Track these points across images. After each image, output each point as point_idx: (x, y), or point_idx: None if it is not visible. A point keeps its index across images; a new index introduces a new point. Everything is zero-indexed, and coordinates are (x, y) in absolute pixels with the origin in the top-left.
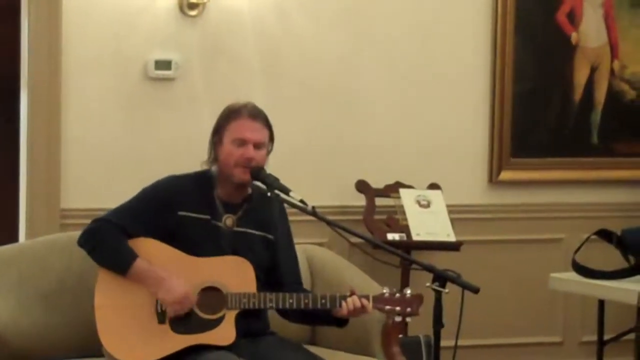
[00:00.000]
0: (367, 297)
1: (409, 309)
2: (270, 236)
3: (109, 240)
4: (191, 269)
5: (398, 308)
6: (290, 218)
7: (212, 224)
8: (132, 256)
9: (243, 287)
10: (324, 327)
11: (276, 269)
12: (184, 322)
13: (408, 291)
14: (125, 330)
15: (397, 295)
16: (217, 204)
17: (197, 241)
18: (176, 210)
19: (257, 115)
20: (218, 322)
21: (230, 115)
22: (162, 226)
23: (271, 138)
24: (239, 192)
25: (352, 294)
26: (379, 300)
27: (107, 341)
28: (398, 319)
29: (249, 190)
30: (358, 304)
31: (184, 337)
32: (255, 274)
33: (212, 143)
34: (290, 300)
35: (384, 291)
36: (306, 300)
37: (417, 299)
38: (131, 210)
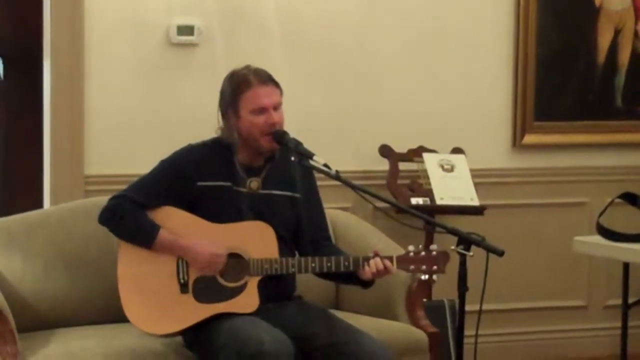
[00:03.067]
0: (390, 258)
1: (435, 267)
2: (296, 194)
3: (129, 216)
4: (212, 236)
5: (424, 267)
6: (315, 178)
7: (234, 190)
8: (155, 229)
9: (265, 252)
10: (349, 287)
11: (302, 226)
12: (207, 290)
13: (434, 248)
14: (148, 301)
15: (423, 253)
16: (238, 170)
17: (218, 209)
18: (195, 181)
19: (267, 78)
20: (241, 289)
21: (239, 85)
22: (182, 197)
23: (281, 93)
24: (261, 155)
25: (376, 255)
26: (403, 260)
27: (132, 313)
28: (424, 277)
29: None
30: (381, 266)
31: (208, 305)
32: (281, 235)
33: (225, 116)
34: (313, 264)
35: (409, 250)
36: (329, 264)
37: (444, 256)
38: (150, 184)
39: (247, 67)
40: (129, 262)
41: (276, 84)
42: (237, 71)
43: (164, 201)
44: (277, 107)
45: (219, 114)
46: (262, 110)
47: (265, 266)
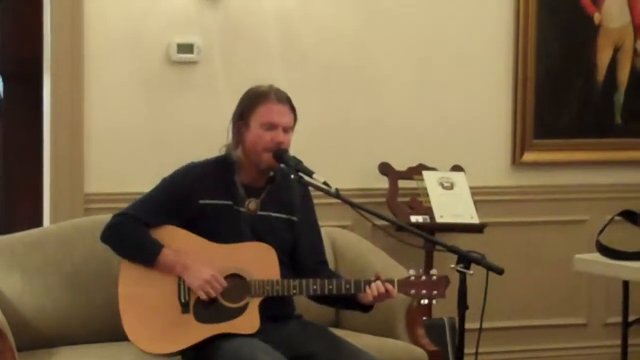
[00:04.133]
0: (391, 282)
1: (435, 292)
2: (293, 218)
3: (132, 234)
4: (214, 256)
5: (424, 291)
6: (314, 201)
7: (234, 210)
8: (158, 247)
9: (266, 273)
10: (349, 311)
11: (299, 250)
12: (207, 311)
13: (434, 273)
14: (149, 321)
15: (424, 277)
16: (239, 189)
17: (218, 228)
18: (197, 199)
19: (285, 99)
20: (242, 310)
21: (256, 98)
22: (184, 215)
23: (295, 120)
24: (262, 175)
25: (377, 278)
26: (404, 284)
27: (132, 332)
28: (424, 302)
29: (272, 173)
30: (382, 289)
31: (208, 326)
32: (279, 257)
33: (235, 127)
34: (315, 287)
35: (410, 274)
36: (330, 286)
37: (444, 280)
38: (151, 202)
39: (270, 85)
40: (129, 281)
41: (292, 108)
42: (258, 86)
43: (165, 219)
44: (287, 129)
45: (230, 125)
46: (272, 126)
47: (266, 287)
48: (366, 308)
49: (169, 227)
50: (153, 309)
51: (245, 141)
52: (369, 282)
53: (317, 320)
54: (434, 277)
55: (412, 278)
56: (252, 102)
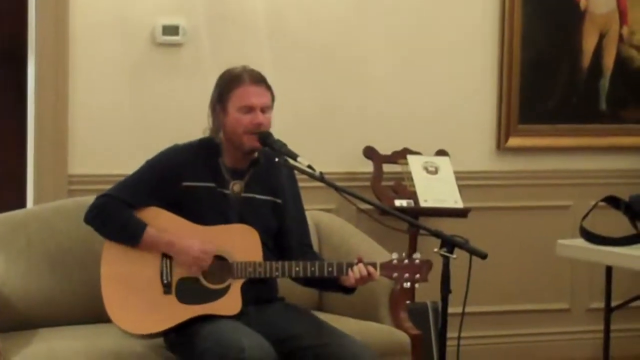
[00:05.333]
0: (374, 265)
1: (417, 275)
2: (278, 200)
3: (116, 215)
4: (197, 237)
5: (406, 275)
6: (298, 184)
7: (218, 192)
8: (142, 226)
9: (249, 255)
10: (332, 293)
11: (284, 233)
12: (190, 292)
13: (417, 257)
14: (131, 301)
15: (406, 261)
16: (223, 171)
17: (202, 210)
18: (181, 182)
19: (259, 79)
20: (224, 291)
21: (231, 82)
22: (167, 197)
23: (272, 99)
24: (246, 158)
25: (359, 261)
26: (387, 267)
27: (114, 312)
28: (406, 285)
29: (256, 155)
30: (364, 272)
31: (190, 307)
32: (263, 240)
33: (214, 112)
34: (297, 269)
35: (393, 257)
36: (312, 268)
37: (426, 264)
38: (135, 184)
39: (243, 67)
40: (112, 261)
41: (268, 87)
42: (231, 69)
43: (149, 201)
44: (265, 109)
45: (209, 111)
46: (250, 109)
47: (249, 269)
48: (348, 290)
49: (152, 209)
50: (135, 290)
51: (225, 125)
52: (351, 265)
53: (300, 304)
54: (417, 261)
55: (395, 261)
56: (227, 86)
